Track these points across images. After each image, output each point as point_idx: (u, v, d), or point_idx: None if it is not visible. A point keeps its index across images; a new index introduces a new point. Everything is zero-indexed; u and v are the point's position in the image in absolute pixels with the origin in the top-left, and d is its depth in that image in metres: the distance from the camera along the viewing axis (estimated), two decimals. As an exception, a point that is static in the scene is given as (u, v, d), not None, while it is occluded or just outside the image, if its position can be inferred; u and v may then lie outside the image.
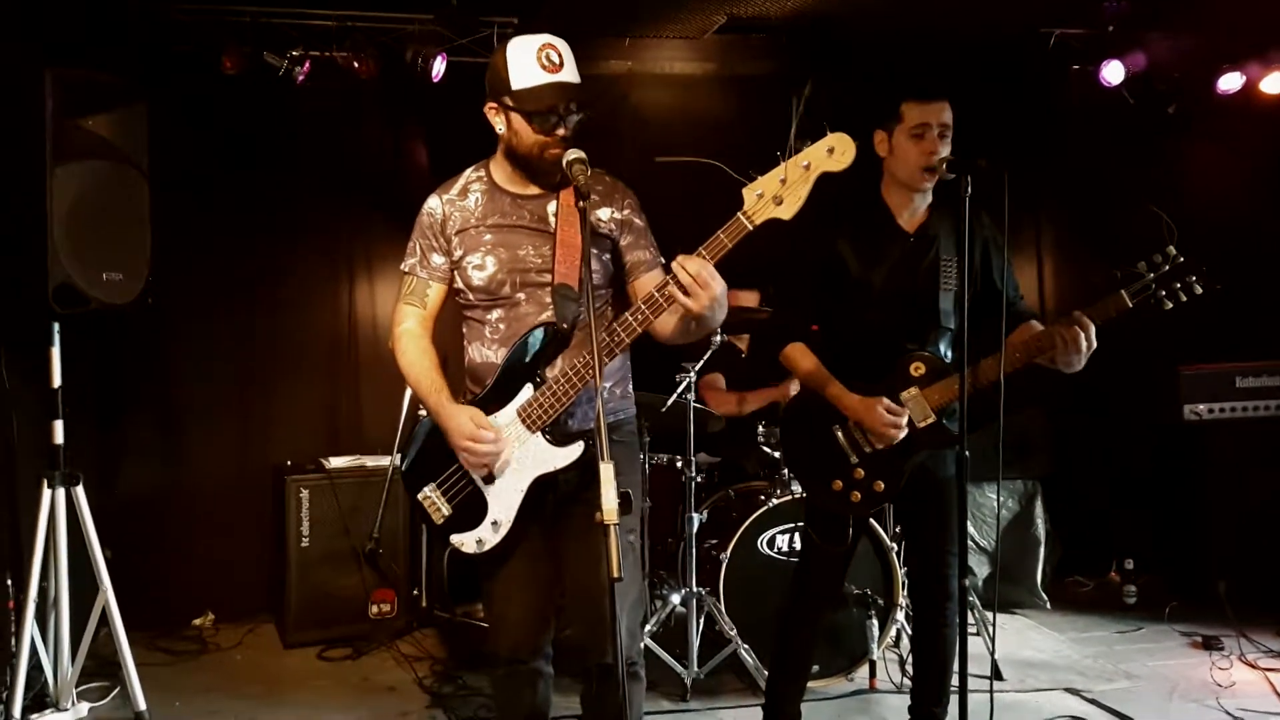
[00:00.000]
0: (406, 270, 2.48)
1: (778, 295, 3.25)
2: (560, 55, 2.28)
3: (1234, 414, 4.73)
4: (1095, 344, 2.69)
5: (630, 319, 2.23)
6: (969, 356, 2.65)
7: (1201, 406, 4.72)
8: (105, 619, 3.25)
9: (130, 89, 3.34)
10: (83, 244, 3.12)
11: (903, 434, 2.81)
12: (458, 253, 2.41)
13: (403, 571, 4.51)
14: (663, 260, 2.45)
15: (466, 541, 2.38)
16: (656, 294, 2.18)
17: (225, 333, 4.78)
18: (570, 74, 2.29)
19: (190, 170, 4.45)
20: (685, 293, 2.11)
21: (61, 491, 3.19)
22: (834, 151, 2.12)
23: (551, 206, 2.39)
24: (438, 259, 2.44)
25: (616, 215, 2.42)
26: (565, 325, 2.33)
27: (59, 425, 3.22)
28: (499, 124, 2.37)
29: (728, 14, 4.74)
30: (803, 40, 4.95)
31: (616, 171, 2.51)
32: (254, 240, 4.80)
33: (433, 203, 2.46)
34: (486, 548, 2.37)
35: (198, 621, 4.62)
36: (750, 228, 2.14)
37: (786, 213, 2.13)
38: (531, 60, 2.26)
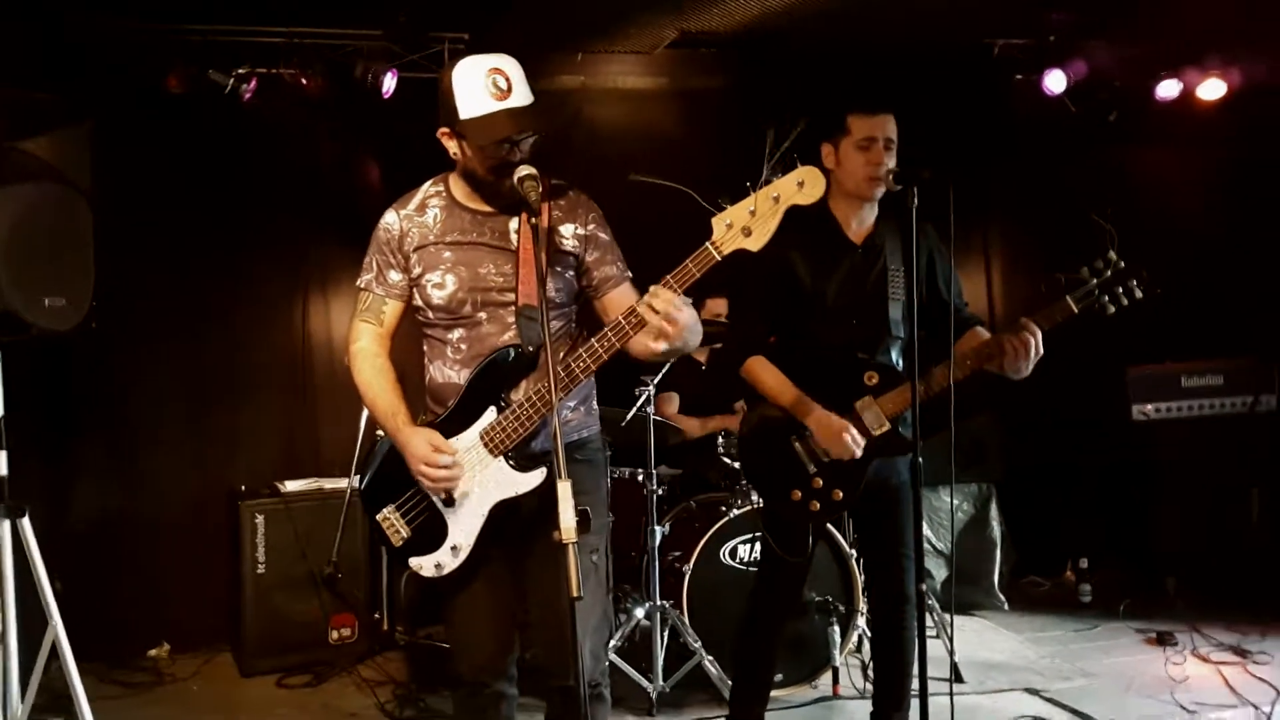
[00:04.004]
0: (362, 286, 2.44)
1: (733, 309, 3.27)
2: (508, 79, 2.23)
3: (1180, 413, 4.83)
4: (1042, 351, 2.74)
5: (597, 345, 2.21)
6: (920, 365, 2.69)
7: (1149, 406, 4.83)
8: (56, 652, 3.17)
9: (72, 109, 3.26)
10: (23, 270, 3.04)
11: (858, 451, 2.85)
12: (416, 270, 2.38)
13: (363, 595, 4.44)
14: (630, 275, 2.44)
15: (425, 565, 2.36)
16: (622, 320, 2.18)
17: (176, 356, 4.69)
18: (520, 96, 2.24)
19: (139, 192, 4.37)
20: (658, 331, 2.13)
21: (7, 524, 3.10)
22: (804, 185, 2.14)
23: (513, 224, 2.36)
24: (395, 275, 2.40)
25: (580, 231, 2.40)
26: (530, 348, 2.31)
27: (2, 456, 3.14)
28: (453, 148, 2.34)
29: (678, 29, 4.78)
30: (753, 55, 5.00)
31: (577, 186, 2.48)
32: (205, 261, 4.71)
33: (390, 218, 2.41)
34: (445, 571, 2.35)
35: (153, 652, 4.52)
36: (718, 258, 2.16)
37: (754, 244, 2.15)
38: (478, 87, 2.21)
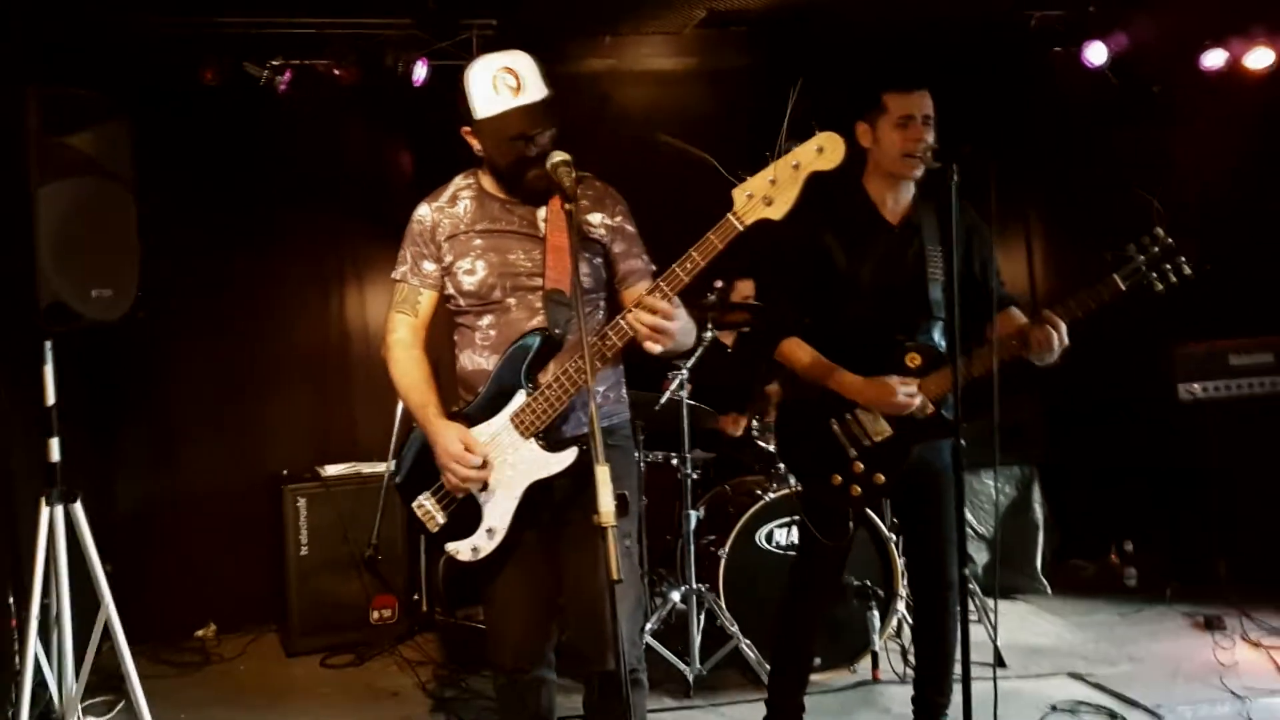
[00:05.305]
0: (398, 278, 2.48)
1: (766, 290, 3.25)
2: (518, 76, 2.27)
3: (1228, 392, 4.71)
4: (1067, 341, 2.69)
5: (621, 323, 2.23)
6: (960, 346, 2.65)
7: (1196, 385, 4.71)
8: (108, 633, 3.25)
9: (113, 104, 3.31)
10: (71, 262, 3.11)
11: (919, 399, 2.80)
12: (448, 258, 2.42)
13: (402, 576, 4.52)
14: (654, 267, 2.45)
15: (462, 549, 2.38)
16: (609, 332, 2.23)
17: (217, 344, 4.78)
18: (532, 92, 2.28)
19: (177, 184, 4.44)
20: (645, 338, 2.17)
21: (60, 508, 3.17)
22: (823, 151, 2.12)
23: (542, 212, 2.40)
24: (429, 266, 2.44)
25: (608, 221, 2.43)
26: (557, 331, 2.33)
27: (55, 443, 3.21)
28: (476, 145, 2.38)
29: (707, 8, 4.73)
30: (784, 32, 4.94)
31: (604, 175, 2.50)
32: (242, 251, 4.80)
33: (422, 210, 2.47)
34: (482, 555, 2.37)
35: (200, 633, 4.63)
36: (741, 229, 2.16)
37: (776, 213, 2.14)
38: (489, 88, 2.26)
